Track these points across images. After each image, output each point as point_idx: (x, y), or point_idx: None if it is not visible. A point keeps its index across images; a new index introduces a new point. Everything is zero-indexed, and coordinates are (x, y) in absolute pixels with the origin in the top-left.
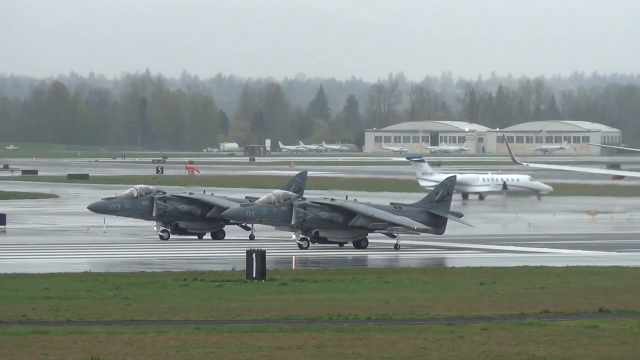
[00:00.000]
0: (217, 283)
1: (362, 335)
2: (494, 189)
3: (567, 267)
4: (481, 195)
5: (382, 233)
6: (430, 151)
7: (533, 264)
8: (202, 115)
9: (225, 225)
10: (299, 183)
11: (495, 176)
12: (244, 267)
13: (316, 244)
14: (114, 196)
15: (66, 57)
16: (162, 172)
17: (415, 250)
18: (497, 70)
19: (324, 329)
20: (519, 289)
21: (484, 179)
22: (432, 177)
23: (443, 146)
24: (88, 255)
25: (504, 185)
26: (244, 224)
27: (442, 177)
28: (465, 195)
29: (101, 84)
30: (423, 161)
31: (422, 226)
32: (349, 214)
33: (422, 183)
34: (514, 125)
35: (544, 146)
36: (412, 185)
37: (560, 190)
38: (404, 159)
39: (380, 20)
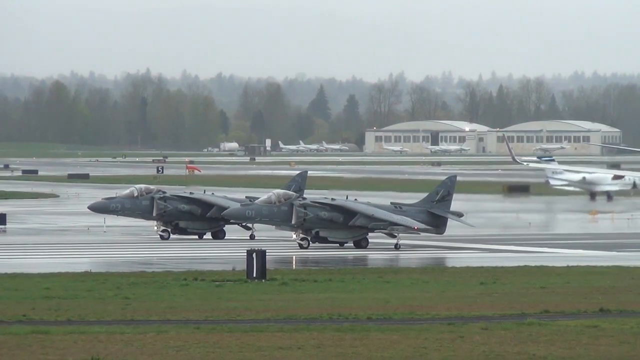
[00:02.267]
0: (217, 283)
1: (362, 335)
2: (622, 188)
3: (568, 267)
4: (609, 195)
5: (382, 233)
6: (431, 151)
7: (533, 264)
8: (202, 115)
9: (226, 225)
10: (299, 183)
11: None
12: (244, 266)
13: (316, 244)
14: (114, 196)
15: (66, 57)
16: (163, 172)
17: (416, 250)
18: (497, 70)
19: (324, 329)
20: (519, 288)
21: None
22: (561, 176)
23: (443, 146)
24: (88, 255)
25: (634, 185)
26: (244, 224)
27: (571, 176)
28: (593, 195)
29: (101, 83)
30: (553, 160)
31: (423, 226)
32: (349, 213)
33: (552, 182)
34: (514, 125)
35: (544, 146)
36: (412, 185)
37: (560, 190)
38: (536, 160)
39: (380, 20)
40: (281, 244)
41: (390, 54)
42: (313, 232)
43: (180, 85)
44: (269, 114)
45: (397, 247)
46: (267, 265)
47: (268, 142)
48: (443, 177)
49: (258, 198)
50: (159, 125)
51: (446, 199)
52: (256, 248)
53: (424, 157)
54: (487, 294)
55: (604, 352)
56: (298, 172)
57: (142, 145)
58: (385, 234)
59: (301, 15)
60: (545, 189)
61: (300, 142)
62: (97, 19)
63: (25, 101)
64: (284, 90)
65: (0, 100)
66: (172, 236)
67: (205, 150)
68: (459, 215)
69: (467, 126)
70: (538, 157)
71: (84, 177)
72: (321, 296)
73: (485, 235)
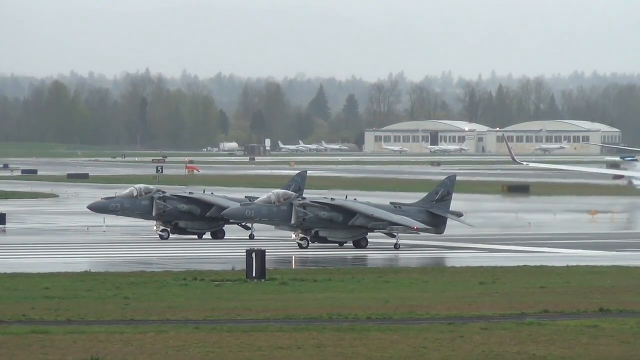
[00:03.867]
0: (217, 283)
1: (362, 335)
2: None
3: (568, 267)
4: None
5: (382, 233)
6: (430, 151)
7: (533, 264)
8: (202, 115)
9: (225, 225)
10: (299, 183)
11: None
12: (244, 266)
13: (316, 244)
14: (114, 196)
15: (66, 57)
16: (162, 172)
17: (415, 250)
18: (497, 70)
19: (324, 329)
20: (519, 288)
21: None
22: None
23: (443, 146)
24: (88, 255)
25: None
26: (244, 224)
27: None
28: None
29: (101, 84)
30: (637, 161)
31: (423, 226)
32: (349, 213)
33: (636, 182)
34: (514, 125)
35: (544, 146)
36: (412, 185)
37: (560, 190)
38: (612, 159)
39: (380, 20)
40: (281, 244)
41: (390, 54)
42: (313, 232)
43: (180, 85)
44: (269, 114)
45: (397, 247)
46: (267, 265)
47: (268, 142)
48: (443, 177)
49: (258, 198)
50: (159, 125)
51: (446, 199)
52: (256, 248)
53: (423, 157)
54: (487, 294)
55: (604, 352)
56: (298, 172)
57: (142, 145)
58: (385, 234)
59: (301, 15)
60: (545, 188)
61: (300, 142)
62: (97, 19)
63: (25, 101)
64: (283, 90)
65: (0, 100)
66: (171, 236)
67: (205, 150)
68: (459, 215)
69: (466, 126)
70: (622, 158)
71: (83, 177)
72: (321, 296)
73: (485, 235)
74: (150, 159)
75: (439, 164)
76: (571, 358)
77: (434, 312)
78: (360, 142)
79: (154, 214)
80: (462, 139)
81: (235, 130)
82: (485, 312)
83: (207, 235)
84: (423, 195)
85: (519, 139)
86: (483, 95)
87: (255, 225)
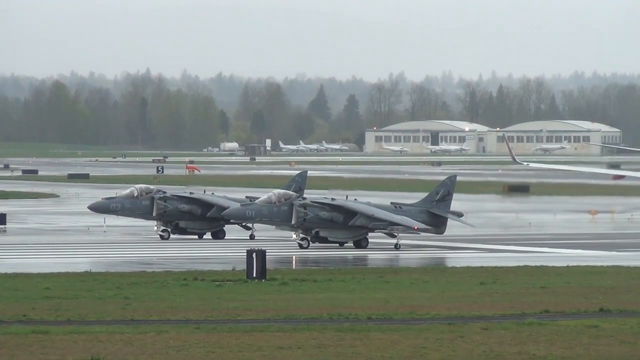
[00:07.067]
0: (217, 283)
1: (362, 335)
2: None
3: (568, 266)
4: None
5: (382, 233)
6: (431, 151)
7: (533, 264)
8: (202, 115)
9: (226, 225)
10: (299, 183)
11: None
12: (244, 266)
13: (316, 244)
14: (114, 196)
15: (66, 57)
16: (163, 172)
17: (416, 250)
18: (497, 70)
19: (324, 329)
20: (519, 288)
21: None
22: None
23: (443, 146)
24: (88, 255)
25: None
26: (244, 224)
27: None
28: None
29: (101, 83)
30: None
31: (423, 226)
32: (349, 213)
33: None
34: (514, 124)
35: (545, 146)
36: (412, 185)
37: (560, 190)
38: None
39: (380, 20)
40: (281, 244)
41: (390, 54)
42: (313, 232)
43: (180, 85)
44: (269, 114)
45: (397, 247)
46: (267, 265)
47: (268, 142)
48: (443, 177)
49: (258, 198)
50: (159, 125)
51: (446, 199)
52: (256, 248)
53: (424, 157)
54: (487, 294)
55: (604, 352)
56: (298, 172)
57: (142, 145)
58: (385, 234)
59: (301, 15)
60: (545, 188)
61: (300, 142)
62: (97, 19)
63: (25, 101)
64: (284, 90)
65: (0, 100)
66: (172, 236)
67: (205, 150)
68: (459, 215)
69: (467, 126)
70: None
71: (84, 177)
72: (321, 296)
73: (485, 235)
74: (150, 159)
75: (439, 164)
76: (571, 358)
77: (434, 312)
78: (360, 142)
79: (154, 214)
80: (462, 139)
81: (236, 130)
82: (485, 312)
83: (208, 235)
84: (423, 195)
85: (519, 139)
86: (483, 95)
87: (255, 225)
